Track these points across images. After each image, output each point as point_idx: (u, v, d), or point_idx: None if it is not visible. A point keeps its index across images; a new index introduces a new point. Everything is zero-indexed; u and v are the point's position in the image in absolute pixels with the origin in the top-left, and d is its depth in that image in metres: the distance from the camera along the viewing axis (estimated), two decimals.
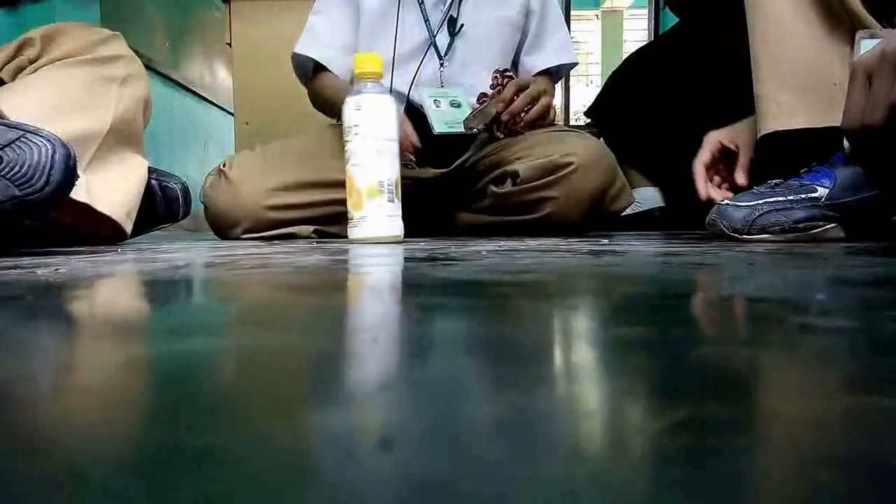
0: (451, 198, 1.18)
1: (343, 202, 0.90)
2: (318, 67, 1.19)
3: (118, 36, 0.96)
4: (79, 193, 0.77)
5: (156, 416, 0.14)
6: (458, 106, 1.14)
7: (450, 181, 1.16)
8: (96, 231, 0.88)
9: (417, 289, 0.37)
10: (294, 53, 1.19)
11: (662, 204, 1.43)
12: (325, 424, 0.13)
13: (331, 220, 1.10)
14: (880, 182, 0.75)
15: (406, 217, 0.89)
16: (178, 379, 0.17)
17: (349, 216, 0.88)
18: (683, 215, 1.32)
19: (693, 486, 0.10)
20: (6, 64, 0.91)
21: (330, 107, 1.17)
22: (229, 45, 2.16)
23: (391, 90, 1.12)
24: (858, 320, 0.26)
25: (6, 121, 0.68)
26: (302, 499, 0.09)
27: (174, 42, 2.45)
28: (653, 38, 2.70)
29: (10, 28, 1.67)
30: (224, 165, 1.11)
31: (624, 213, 1.18)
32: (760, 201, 0.80)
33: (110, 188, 0.88)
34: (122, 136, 0.91)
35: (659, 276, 0.43)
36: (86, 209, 0.83)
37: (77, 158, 0.70)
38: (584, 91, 6.21)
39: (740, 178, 0.92)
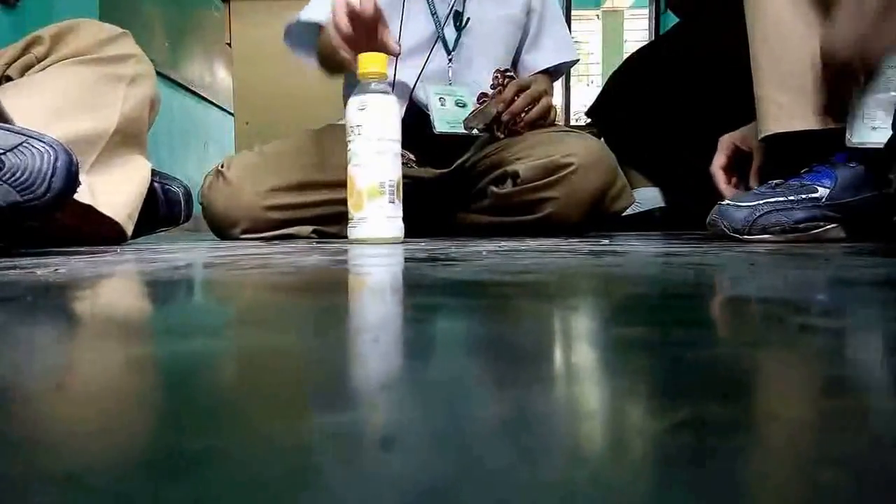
0: (452, 198, 1.18)
1: (342, 202, 0.90)
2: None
3: (127, 34, 0.96)
4: (82, 194, 0.77)
5: (155, 417, 0.14)
6: (464, 106, 1.14)
7: (450, 181, 1.16)
8: (97, 232, 0.88)
9: (418, 289, 0.37)
10: (296, 22, 1.12)
11: (663, 204, 1.43)
12: (326, 425, 0.13)
13: (330, 221, 1.10)
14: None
15: (406, 217, 0.89)
16: (177, 379, 0.17)
17: (349, 216, 0.88)
18: (684, 216, 1.32)
19: (694, 487, 0.10)
20: (14, 61, 0.91)
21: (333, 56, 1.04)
22: (229, 45, 2.16)
23: (394, 82, 1.11)
24: (859, 321, 0.26)
25: (9, 125, 0.68)
26: (302, 501, 0.09)
27: (174, 42, 2.45)
28: (653, 39, 2.70)
29: (10, 28, 1.67)
30: (222, 166, 1.11)
31: (624, 214, 1.18)
32: (761, 201, 0.80)
33: (113, 189, 0.88)
34: (126, 137, 0.91)
35: (660, 276, 0.43)
36: (88, 210, 0.83)
37: (80, 162, 0.70)
38: (585, 91, 6.21)
39: (753, 181, 0.93)
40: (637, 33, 6.10)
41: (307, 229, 1.09)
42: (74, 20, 0.94)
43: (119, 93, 0.90)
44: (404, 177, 0.91)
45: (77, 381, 0.17)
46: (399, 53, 0.92)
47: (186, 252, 0.72)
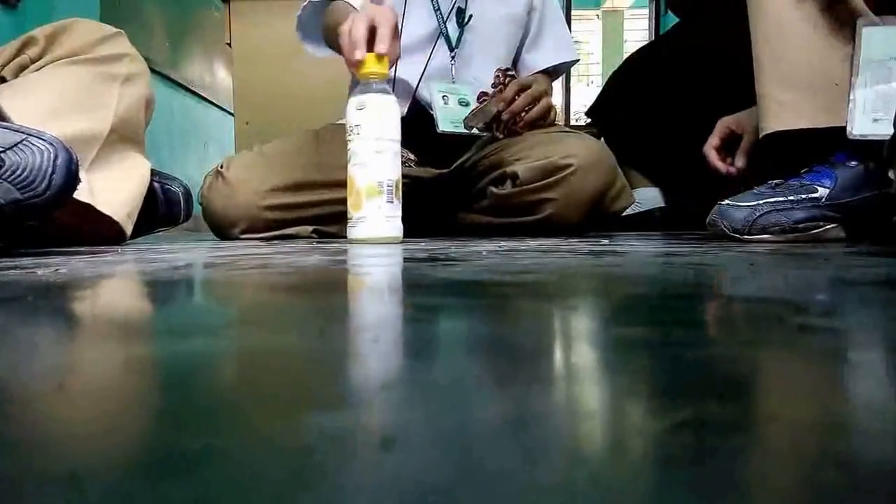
0: (452, 198, 1.18)
1: (341, 202, 0.90)
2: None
3: (121, 33, 0.96)
4: (81, 193, 0.77)
5: (155, 417, 0.14)
6: (467, 104, 1.14)
7: (450, 181, 1.16)
8: (97, 231, 0.88)
9: (418, 289, 0.37)
10: (305, 5, 1.11)
11: (663, 204, 1.43)
12: (326, 425, 0.13)
13: (329, 220, 1.10)
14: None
15: (406, 217, 0.89)
16: (177, 379, 0.17)
17: (349, 216, 0.88)
18: (683, 216, 1.32)
19: (694, 487, 0.10)
20: (8, 63, 0.91)
21: (332, 30, 1.01)
22: (229, 45, 2.16)
23: (395, 80, 1.11)
24: (859, 321, 0.26)
25: (9, 124, 0.68)
26: (302, 501, 0.09)
27: (174, 42, 2.45)
28: (653, 39, 2.70)
29: (10, 27, 1.67)
30: (222, 166, 1.11)
31: (624, 214, 1.18)
32: (761, 201, 0.80)
33: (112, 188, 0.88)
34: (124, 136, 0.91)
35: (660, 276, 0.43)
36: (87, 209, 0.83)
37: (79, 161, 0.70)
38: (585, 91, 6.21)
39: (739, 160, 0.98)
40: (637, 33, 6.10)
41: (307, 229, 1.09)
42: (68, 20, 0.93)
43: (114, 92, 0.90)
44: (403, 177, 0.91)
45: (78, 381, 0.17)
46: (399, 57, 0.92)
47: (186, 252, 0.72)
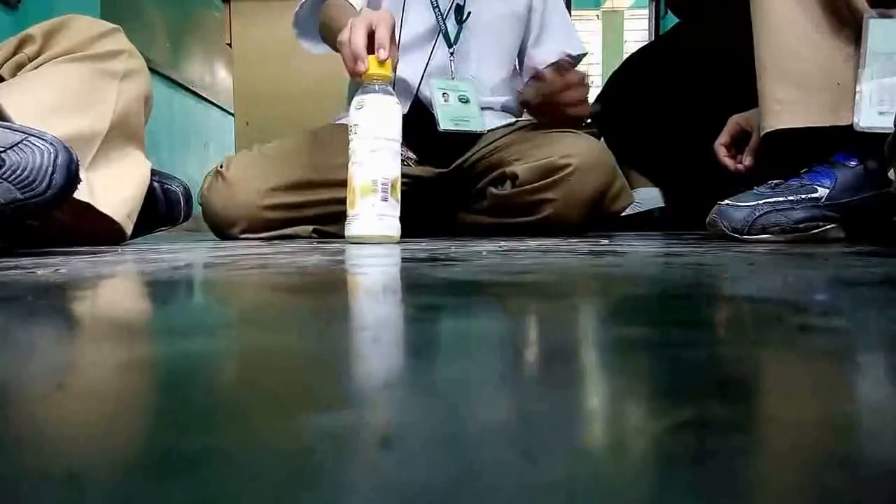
0: (452, 198, 1.18)
1: (341, 202, 0.90)
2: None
3: (118, 30, 0.95)
4: (80, 193, 0.76)
5: (155, 417, 0.14)
6: (467, 102, 1.14)
7: (450, 181, 1.16)
8: (96, 231, 0.88)
9: (417, 289, 0.37)
10: (302, 3, 1.12)
11: (662, 204, 1.43)
12: (326, 425, 0.13)
13: (329, 220, 1.10)
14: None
15: (406, 216, 0.89)
16: (177, 380, 0.17)
17: (347, 214, 0.87)
18: (684, 216, 1.32)
19: (694, 487, 0.10)
20: (5, 61, 0.91)
21: (328, 27, 1.03)
22: (229, 45, 2.16)
23: (395, 79, 1.11)
24: (859, 321, 0.26)
25: (9, 123, 0.68)
26: (302, 501, 0.09)
27: (174, 42, 2.45)
28: (653, 39, 2.70)
29: (10, 27, 1.67)
30: (221, 166, 1.11)
31: (624, 214, 1.18)
32: (761, 201, 0.80)
33: (112, 188, 0.88)
34: (123, 134, 0.91)
35: (660, 276, 0.43)
36: (87, 208, 0.83)
37: (79, 160, 0.70)
38: None
39: (747, 159, 0.97)
40: (637, 33, 6.10)
41: (307, 229, 1.09)
42: (65, 17, 0.93)
43: (113, 89, 0.90)
44: (403, 176, 0.90)
45: (77, 381, 0.17)
46: (398, 60, 0.92)
47: (186, 252, 0.72)
